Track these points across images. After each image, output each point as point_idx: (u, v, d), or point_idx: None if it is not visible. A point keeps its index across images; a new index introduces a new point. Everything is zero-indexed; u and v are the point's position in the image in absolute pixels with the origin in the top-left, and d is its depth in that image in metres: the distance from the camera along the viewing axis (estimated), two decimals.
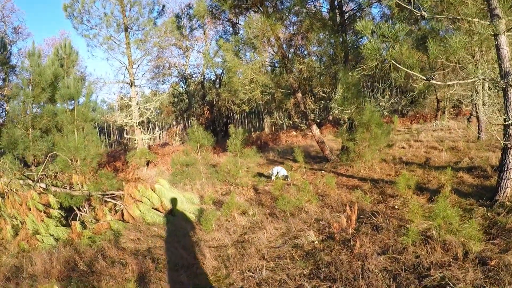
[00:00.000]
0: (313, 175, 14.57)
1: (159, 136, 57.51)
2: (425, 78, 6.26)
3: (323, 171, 15.04)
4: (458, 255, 5.74)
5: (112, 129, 31.55)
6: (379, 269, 5.81)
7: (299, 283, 5.83)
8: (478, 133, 15.29)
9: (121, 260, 7.75)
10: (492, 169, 10.36)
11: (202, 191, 13.36)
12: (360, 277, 5.60)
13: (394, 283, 5.33)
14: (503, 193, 7.73)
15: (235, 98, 19.61)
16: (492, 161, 11.09)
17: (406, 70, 6.57)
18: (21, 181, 11.15)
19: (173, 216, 10.54)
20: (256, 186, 13.54)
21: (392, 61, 7.37)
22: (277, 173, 14.08)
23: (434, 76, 5.86)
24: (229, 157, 15.81)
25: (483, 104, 14.04)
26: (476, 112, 15.76)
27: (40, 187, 11.13)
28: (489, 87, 13.83)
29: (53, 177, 11.64)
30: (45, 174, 11.20)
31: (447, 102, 26.66)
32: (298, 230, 8.31)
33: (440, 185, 9.97)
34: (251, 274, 6.47)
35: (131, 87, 23.78)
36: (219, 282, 6.50)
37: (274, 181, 13.36)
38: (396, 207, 8.89)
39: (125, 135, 27.85)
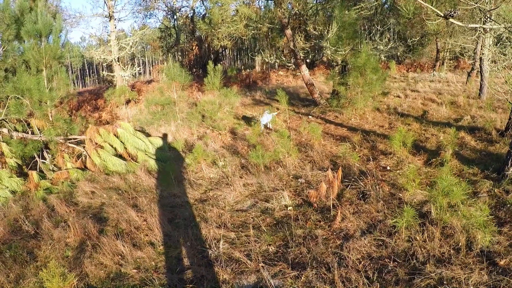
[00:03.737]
0: (299, 120, 13.45)
1: (146, 72, 55.97)
2: (442, 15, 4.89)
3: (310, 116, 13.91)
4: (461, 245, 4.58)
5: (102, 66, 30.10)
6: (361, 255, 4.68)
7: (260, 265, 4.68)
8: (479, 90, 14.01)
9: (66, 221, 6.74)
10: (497, 133, 9.19)
11: (177, 134, 12.17)
12: (336, 265, 4.45)
13: (378, 279, 4.20)
14: None
15: (216, 31, 18.13)
16: (497, 124, 9.87)
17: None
18: None
19: (137, 163, 9.42)
20: (235, 130, 12.39)
21: None
22: (267, 122, 12.65)
23: (455, 12, 4.46)
24: (213, 96, 14.56)
25: (491, 61, 12.73)
26: (479, 67, 14.42)
27: (2, 132, 10.02)
28: (495, 42, 12.46)
29: (15, 121, 10.43)
30: (4, 119, 9.94)
31: (447, 53, 25.27)
32: (271, 189, 7.22)
33: (440, 145, 8.81)
34: (204, 248, 5.34)
35: (109, 20, 22.09)
36: (164, 255, 5.39)
37: (262, 130, 12.08)
38: (388, 168, 7.78)
39: (104, 72, 26.23)
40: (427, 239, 4.77)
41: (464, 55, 19.83)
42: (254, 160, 8.33)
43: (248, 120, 13.79)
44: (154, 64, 61.57)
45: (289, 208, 6.30)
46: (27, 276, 5.12)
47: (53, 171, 9.61)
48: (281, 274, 4.49)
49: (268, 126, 12.40)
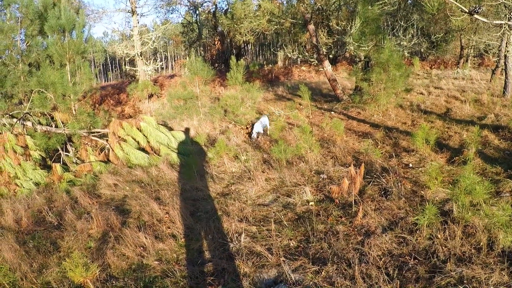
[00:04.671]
0: (321, 116, 13.43)
1: (168, 67, 56.16)
2: (467, 11, 4.86)
3: (332, 112, 13.87)
4: (482, 244, 4.58)
5: (124, 60, 30.39)
6: (382, 252, 4.71)
7: (281, 259, 4.74)
8: (504, 88, 13.79)
9: (89, 212, 6.89)
10: None
11: (199, 128, 12.26)
12: (357, 261, 4.49)
13: (398, 276, 4.23)
14: None
15: (238, 26, 18.15)
16: None
17: None
18: (6, 120, 10.24)
19: (159, 157, 9.54)
20: None
21: None
22: (258, 131, 11.50)
23: (479, 8, 4.45)
24: (235, 91, 14.59)
25: None
26: (504, 64, 14.19)
27: (26, 125, 10.24)
28: None
29: (39, 115, 10.61)
30: (28, 113, 10.14)
31: (471, 50, 24.91)
32: (293, 184, 7.25)
33: (463, 143, 8.74)
34: (226, 241, 5.42)
35: (132, 15, 22.28)
36: (185, 248, 5.48)
37: (255, 139, 11.24)
38: (411, 165, 7.74)
39: (126, 66, 26.44)
40: (448, 238, 4.78)
41: (489, 52, 19.60)
42: (276, 155, 8.37)
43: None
44: (176, 59, 61.82)
45: (310, 203, 6.34)
46: (50, 266, 5.25)
47: (76, 163, 9.77)
48: (302, 269, 4.55)
49: (260, 132, 11.50)
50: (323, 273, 4.42)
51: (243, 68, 13.47)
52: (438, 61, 28.74)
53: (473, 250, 4.53)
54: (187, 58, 34.20)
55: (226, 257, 5.02)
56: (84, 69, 11.95)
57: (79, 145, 10.35)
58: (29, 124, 10.16)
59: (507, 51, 13.32)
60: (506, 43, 13.78)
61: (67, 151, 10.15)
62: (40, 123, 10.27)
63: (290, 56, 19.34)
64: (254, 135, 11.28)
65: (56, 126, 10.16)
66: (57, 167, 9.26)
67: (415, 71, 22.94)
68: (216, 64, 32.95)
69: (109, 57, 67.76)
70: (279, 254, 4.89)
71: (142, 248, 5.47)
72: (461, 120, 10.92)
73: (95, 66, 59.65)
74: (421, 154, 8.17)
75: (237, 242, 5.31)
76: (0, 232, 6.50)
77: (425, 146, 8.26)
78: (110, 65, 70.41)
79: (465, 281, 3.98)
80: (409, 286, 4.02)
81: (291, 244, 5.17)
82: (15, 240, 6.05)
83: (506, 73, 13.62)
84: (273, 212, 6.20)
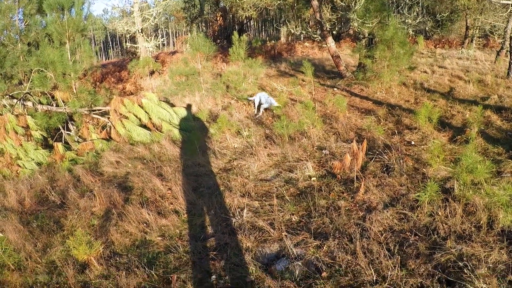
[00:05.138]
0: (324, 92, 13.41)
1: (170, 43, 55.66)
2: None
3: (335, 89, 13.85)
4: (482, 223, 4.62)
5: (125, 37, 30.12)
6: (383, 228, 4.77)
7: (283, 234, 4.80)
8: (508, 69, 13.72)
9: (92, 190, 6.93)
10: None
11: (201, 104, 12.24)
12: (358, 236, 4.54)
13: (398, 252, 4.28)
14: None
15: (241, 2, 17.95)
16: None
17: None
18: (6, 101, 10.24)
19: (161, 133, 9.56)
20: None
21: None
22: (260, 103, 11.25)
23: None
24: (238, 67, 14.52)
25: None
26: (509, 46, 14.07)
27: (26, 105, 10.28)
28: None
29: (39, 94, 10.58)
30: (28, 93, 10.12)
31: (477, 30, 24.71)
32: (295, 159, 7.29)
33: (465, 122, 8.75)
34: (228, 216, 5.47)
35: None
36: (188, 223, 5.55)
37: (256, 114, 11.18)
38: (413, 143, 7.76)
39: (127, 44, 26.19)
40: (449, 215, 4.82)
41: (494, 34, 19.43)
42: (278, 131, 8.39)
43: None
44: (177, 35, 61.29)
45: (312, 178, 6.38)
46: (54, 245, 5.33)
47: (78, 142, 9.82)
48: (304, 243, 4.60)
49: (260, 110, 11.26)
50: (324, 247, 4.48)
51: (245, 44, 13.41)
52: (443, 40, 28.52)
53: (473, 228, 4.58)
54: (189, 34, 33.94)
55: (228, 232, 5.08)
56: (84, 47, 11.94)
57: (81, 123, 10.36)
58: (29, 104, 10.17)
59: None
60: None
61: (68, 130, 10.17)
62: (40, 103, 10.27)
63: (293, 32, 19.21)
64: (255, 110, 11.27)
65: (57, 105, 10.17)
66: (59, 146, 9.30)
67: (419, 49, 22.75)
68: (218, 40, 32.71)
69: (110, 35, 67.28)
70: (281, 229, 4.95)
71: (145, 225, 5.54)
72: (464, 99, 10.91)
73: (95, 44, 59.11)
74: (424, 132, 8.18)
75: (239, 217, 5.36)
76: (4, 213, 6.56)
77: (427, 124, 8.27)
78: (110, 43, 69.92)
79: (464, 258, 4.03)
80: (410, 262, 4.08)
81: (293, 219, 5.22)
82: (19, 221, 6.12)
83: (511, 55, 13.54)
84: (275, 187, 6.25)
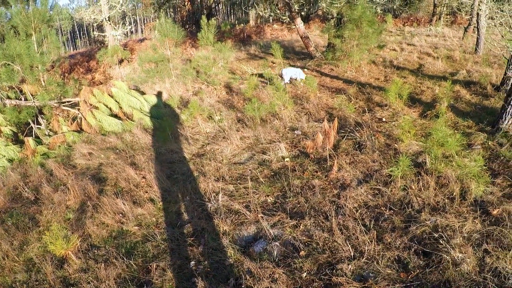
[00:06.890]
0: None
1: (138, 30, 54.85)
2: None
3: (305, 69, 13.81)
4: (455, 194, 4.68)
5: (92, 26, 29.48)
6: (358, 204, 4.79)
7: (259, 216, 4.78)
8: (476, 45, 13.89)
9: (66, 184, 6.78)
10: (492, 87, 9.21)
11: (172, 91, 12.10)
12: (334, 214, 4.55)
13: (374, 227, 4.30)
14: (508, 121, 6.57)
15: None
16: (493, 79, 9.86)
17: None
18: None
19: (133, 122, 9.41)
20: (230, 85, 12.29)
21: None
22: (290, 76, 11.64)
23: None
24: (207, 52, 14.36)
25: (489, 17, 12.58)
26: (476, 22, 14.24)
27: None
28: None
29: (7, 89, 10.28)
30: None
31: (444, 8, 24.93)
32: (268, 141, 7.26)
33: (435, 97, 8.84)
34: (203, 201, 5.42)
35: None
36: (164, 211, 5.49)
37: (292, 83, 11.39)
38: (384, 119, 7.81)
39: (95, 32, 25.65)
40: (422, 188, 4.87)
41: (461, 10, 19.61)
42: (250, 113, 8.35)
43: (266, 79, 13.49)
44: (146, 22, 60.38)
45: (286, 159, 6.37)
46: (30, 242, 5.24)
47: (49, 135, 9.58)
48: (280, 224, 4.60)
49: (286, 82, 11.59)
50: (301, 226, 4.48)
51: (214, 28, 13.28)
52: (411, 18, 28.70)
53: (446, 200, 4.63)
54: (157, 20, 33.50)
55: (205, 217, 5.05)
56: (51, 38, 11.68)
57: (51, 116, 10.12)
58: None
59: (480, 9, 13.37)
60: (479, 2, 13.80)
61: (38, 123, 9.92)
62: (8, 97, 9.97)
63: (262, 14, 19.12)
64: (283, 83, 11.26)
65: (26, 99, 9.91)
66: (30, 141, 9.07)
67: (388, 28, 22.86)
68: (187, 26, 32.32)
69: (77, 24, 65.86)
70: (257, 210, 4.93)
71: (121, 215, 5.46)
72: (434, 75, 11.00)
73: (62, 35, 57.81)
74: (394, 109, 8.23)
75: (215, 201, 5.33)
76: None
77: (398, 100, 8.32)
78: (78, 33, 68.50)
79: (439, 230, 4.08)
80: (386, 236, 4.10)
81: (269, 200, 5.21)
82: None
83: (478, 31, 13.70)
84: (249, 170, 6.22)
